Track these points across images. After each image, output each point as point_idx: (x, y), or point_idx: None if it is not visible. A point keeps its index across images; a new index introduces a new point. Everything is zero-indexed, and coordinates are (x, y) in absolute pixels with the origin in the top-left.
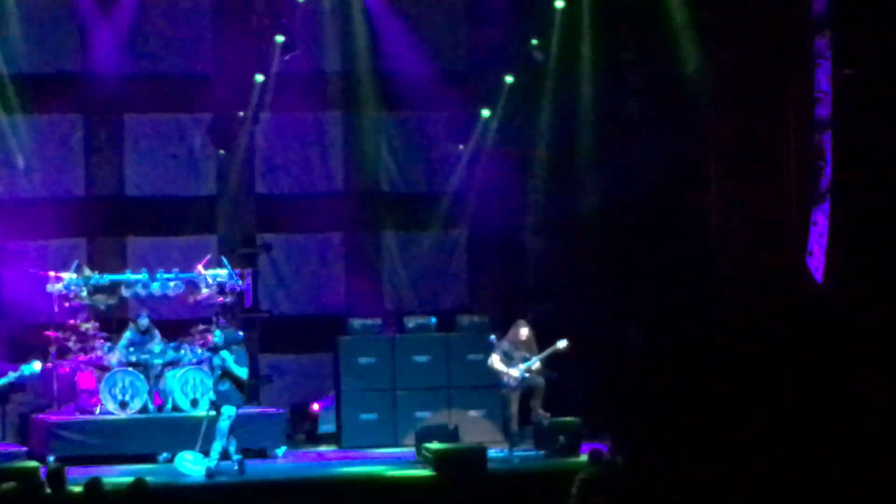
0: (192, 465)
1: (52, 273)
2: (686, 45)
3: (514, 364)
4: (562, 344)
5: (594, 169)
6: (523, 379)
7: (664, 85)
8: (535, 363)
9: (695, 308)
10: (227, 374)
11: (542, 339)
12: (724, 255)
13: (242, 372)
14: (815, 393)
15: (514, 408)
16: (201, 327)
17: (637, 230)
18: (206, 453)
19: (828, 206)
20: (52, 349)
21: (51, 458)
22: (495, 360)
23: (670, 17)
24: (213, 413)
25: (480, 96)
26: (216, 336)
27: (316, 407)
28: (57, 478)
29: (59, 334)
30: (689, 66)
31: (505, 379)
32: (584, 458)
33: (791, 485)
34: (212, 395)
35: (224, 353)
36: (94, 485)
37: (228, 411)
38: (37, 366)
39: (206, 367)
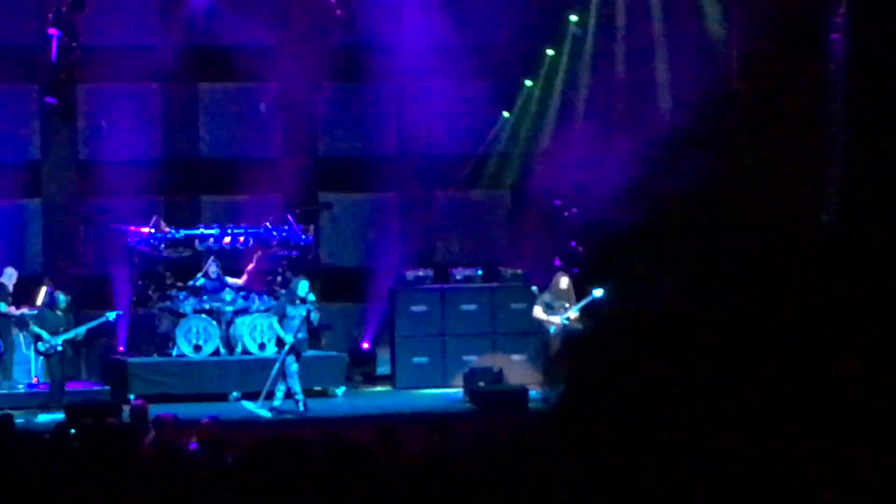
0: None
1: (132, 228)
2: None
3: (555, 313)
4: (598, 293)
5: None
6: (564, 326)
7: (690, 55)
8: (575, 311)
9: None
10: (306, 322)
11: (580, 289)
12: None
13: (315, 321)
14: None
15: (557, 352)
16: (268, 278)
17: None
18: (271, 394)
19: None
20: (133, 297)
21: (131, 397)
22: (538, 310)
23: None
24: (283, 356)
25: (524, 67)
26: (301, 289)
27: (366, 345)
28: (139, 414)
29: (139, 283)
30: (715, 35)
31: (547, 326)
32: None
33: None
34: (291, 339)
35: (309, 305)
36: (167, 421)
37: (301, 356)
38: (118, 312)
39: (272, 314)
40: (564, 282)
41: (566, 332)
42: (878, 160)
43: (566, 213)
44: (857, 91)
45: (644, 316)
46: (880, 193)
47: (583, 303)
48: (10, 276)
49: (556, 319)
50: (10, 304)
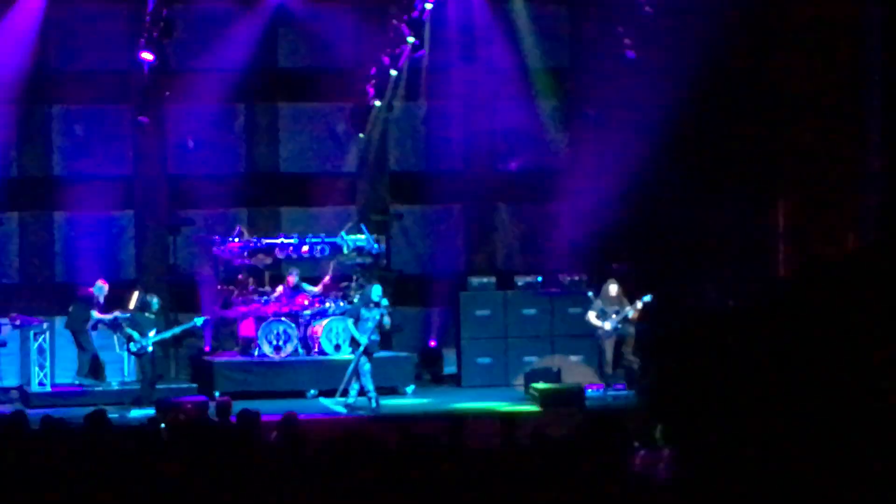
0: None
1: (217, 237)
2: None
3: (607, 317)
4: (647, 298)
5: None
6: (615, 329)
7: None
8: (625, 315)
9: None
10: (379, 326)
11: (631, 295)
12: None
13: (386, 324)
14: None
15: (609, 354)
16: (343, 284)
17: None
18: (346, 392)
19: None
20: (218, 302)
21: (217, 394)
22: (591, 315)
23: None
24: (357, 356)
25: (579, 89)
26: (374, 293)
27: (433, 344)
28: (224, 410)
29: (224, 289)
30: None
31: (599, 331)
32: None
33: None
34: (365, 341)
35: (382, 309)
36: (249, 415)
37: (374, 356)
38: (205, 317)
39: (347, 317)
40: (613, 288)
41: (617, 334)
42: None
43: (619, 225)
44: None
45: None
46: None
47: (633, 306)
48: (101, 290)
49: (608, 325)
50: (100, 312)
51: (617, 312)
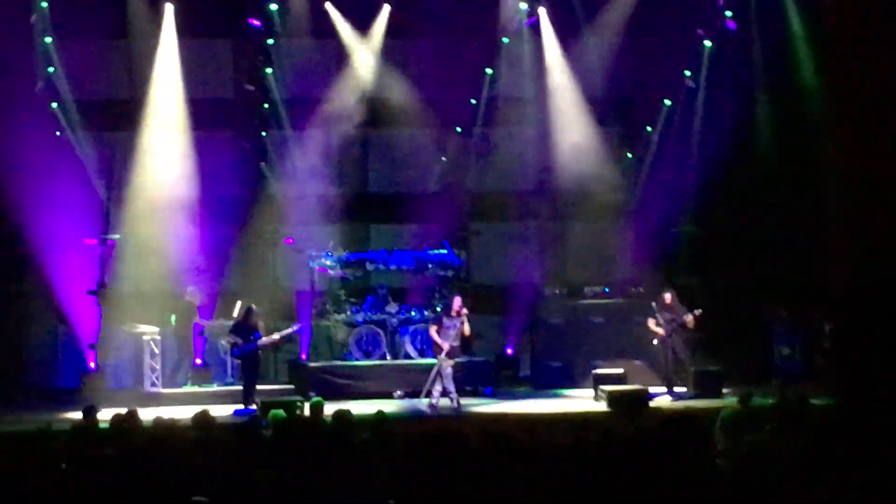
0: (420, 402)
1: (312, 251)
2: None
3: (662, 325)
4: (697, 312)
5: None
6: (670, 335)
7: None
8: (681, 322)
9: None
10: (460, 332)
11: (690, 303)
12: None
13: (467, 331)
14: None
15: (668, 358)
16: (427, 294)
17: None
18: (430, 393)
19: None
20: (313, 311)
21: (312, 394)
22: (651, 322)
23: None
24: (440, 361)
25: (645, 115)
26: (455, 303)
27: (509, 351)
28: (318, 409)
29: (319, 299)
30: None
31: (657, 339)
32: (724, 397)
33: None
34: (447, 346)
35: (462, 317)
36: (342, 415)
37: (455, 361)
38: (301, 325)
39: (431, 325)
40: (668, 297)
41: (675, 340)
42: None
43: (679, 239)
44: None
45: None
46: None
47: (685, 317)
48: (194, 295)
49: (661, 330)
50: (197, 318)
51: (672, 320)
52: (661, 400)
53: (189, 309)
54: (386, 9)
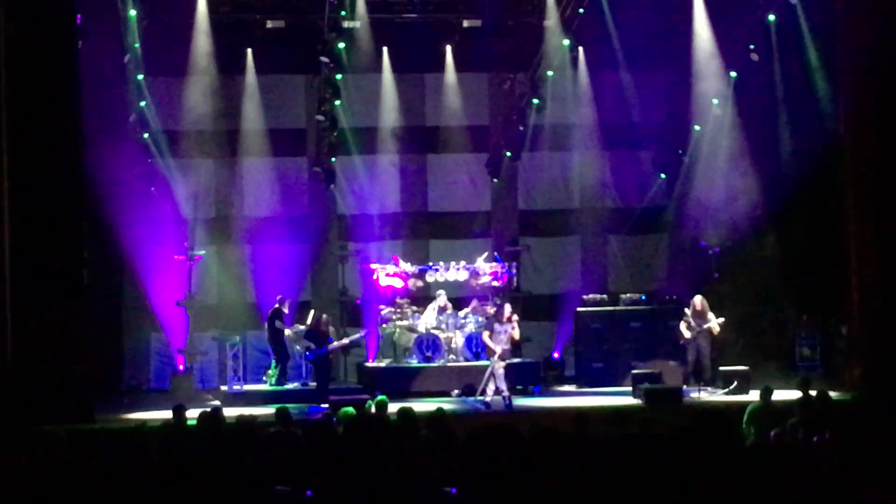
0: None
1: (378, 266)
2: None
3: (690, 329)
4: (720, 320)
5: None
6: (695, 338)
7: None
8: (708, 327)
9: None
10: (510, 337)
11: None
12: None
13: (517, 336)
14: None
15: (694, 357)
16: (481, 303)
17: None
18: (484, 392)
19: None
20: (379, 318)
21: (378, 394)
22: (682, 326)
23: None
24: (493, 362)
25: (677, 140)
26: (506, 310)
27: (556, 354)
28: (383, 407)
29: (384, 308)
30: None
31: (684, 341)
32: (752, 395)
33: None
34: (498, 350)
35: (513, 323)
36: (406, 411)
37: (506, 363)
38: (368, 331)
39: (484, 330)
40: (697, 302)
41: (699, 343)
42: None
43: (710, 252)
44: None
45: None
46: None
47: (713, 322)
48: (284, 304)
49: (688, 334)
50: (283, 325)
51: (700, 324)
52: (694, 395)
53: (280, 317)
54: (448, 49)
